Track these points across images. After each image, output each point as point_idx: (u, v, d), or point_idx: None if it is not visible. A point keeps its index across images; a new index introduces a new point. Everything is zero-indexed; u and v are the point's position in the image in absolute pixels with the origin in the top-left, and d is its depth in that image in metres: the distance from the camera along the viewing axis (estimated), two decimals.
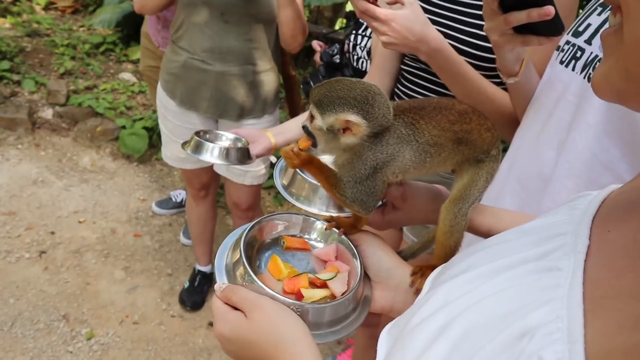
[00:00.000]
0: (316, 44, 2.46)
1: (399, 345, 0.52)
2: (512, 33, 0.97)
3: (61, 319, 2.50)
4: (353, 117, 0.74)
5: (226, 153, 1.32)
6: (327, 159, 0.86)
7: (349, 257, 0.83)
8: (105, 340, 2.45)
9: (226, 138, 1.42)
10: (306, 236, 0.88)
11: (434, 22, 1.36)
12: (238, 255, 0.75)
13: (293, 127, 1.45)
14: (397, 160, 0.78)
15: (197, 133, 1.38)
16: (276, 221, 0.87)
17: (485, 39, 1.23)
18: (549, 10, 0.88)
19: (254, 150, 1.35)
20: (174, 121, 2.17)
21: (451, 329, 0.45)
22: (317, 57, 2.44)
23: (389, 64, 1.52)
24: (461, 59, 1.24)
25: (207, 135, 1.41)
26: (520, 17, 0.91)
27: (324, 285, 0.78)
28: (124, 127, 3.80)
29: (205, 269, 2.76)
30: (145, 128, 3.78)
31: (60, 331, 2.45)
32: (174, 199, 3.34)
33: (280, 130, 1.44)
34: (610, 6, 0.99)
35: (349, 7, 4.36)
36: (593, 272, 0.42)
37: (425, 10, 1.39)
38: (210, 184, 2.47)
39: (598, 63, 0.97)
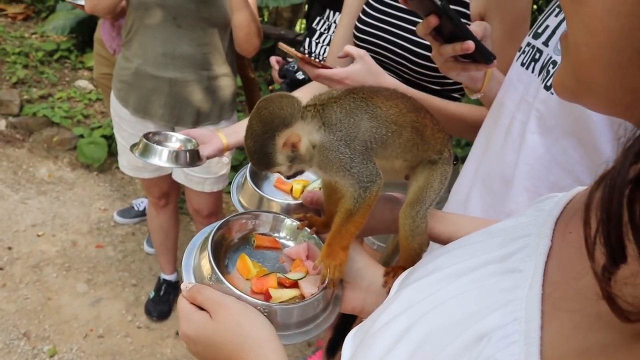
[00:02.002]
0: (274, 61, 2.32)
1: (362, 348, 0.51)
2: (453, 60, 1.03)
3: (22, 337, 2.42)
4: (283, 139, 0.75)
5: (175, 156, 1.27)
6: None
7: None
8: (69, 357, 2.38)
9: (176, 139, 1.38)
10: (276, 234, 0.88)
11: (391, 21, 1.37)
12: (206, 255, 0.74)
13: (245, 128, 1.43)
14: (360, 130, 0.78)
15: (147, 135, 1.33)
16: (245, 219, 0.86)
17: None
18: (468, 45, 0.96)
19: (205, 151, 1.31)
20: (129, 130, 2.13)
21: (412, 332, 0.45)
22: (275, 75, 2.33)
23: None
24: (423, 94, 1.25)
25: (157, 137, 1.36)
26: (448, 50, 0.98)
27: (293, 285, 0.77)
28: (81, 136, 3.71)
29: (170, 277, 2.71)
30: (104, 136, 3.69)
31: (21, 350, 2.37)
32: (136, 208, 3.27)
33: (233, 130, 1.40)
34: None
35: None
36: (553, 273, 0.42)
37: (381, 11, 1.39)
38: (170, 192, 2.43)
39: (552, 65, 0.98)
